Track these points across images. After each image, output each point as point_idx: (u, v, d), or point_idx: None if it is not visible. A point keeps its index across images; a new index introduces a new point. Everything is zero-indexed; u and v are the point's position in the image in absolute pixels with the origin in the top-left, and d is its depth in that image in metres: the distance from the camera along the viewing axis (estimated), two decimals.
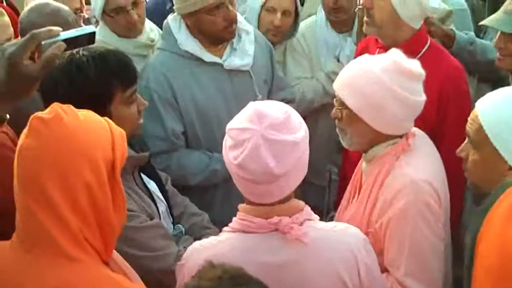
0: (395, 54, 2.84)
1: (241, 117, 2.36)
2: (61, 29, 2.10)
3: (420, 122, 2.98)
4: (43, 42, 2.04)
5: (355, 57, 3.87)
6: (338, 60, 4.32)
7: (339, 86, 2.88)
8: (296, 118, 2.37)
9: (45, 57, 2.03)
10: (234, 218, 2.44)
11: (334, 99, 2.94)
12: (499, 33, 3.50)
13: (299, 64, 4.43)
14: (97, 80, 2.66)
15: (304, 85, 4.34)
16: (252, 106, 2.36)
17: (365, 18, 3.54)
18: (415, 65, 2.82)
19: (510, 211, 1.61)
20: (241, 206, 2.43)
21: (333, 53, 4.37)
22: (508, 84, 3.34)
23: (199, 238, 3.08)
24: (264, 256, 2.33)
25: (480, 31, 4.47)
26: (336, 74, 4.08)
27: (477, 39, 4.18)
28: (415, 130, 2.94)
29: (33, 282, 2.01)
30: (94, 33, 2.20)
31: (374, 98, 2.76)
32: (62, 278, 2.00)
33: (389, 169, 2.83)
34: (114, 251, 2.21)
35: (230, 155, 2.33)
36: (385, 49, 3.41)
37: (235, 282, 1.93)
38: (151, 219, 2.89)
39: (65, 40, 2.08)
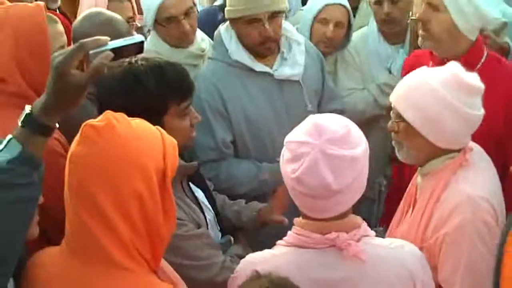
0: (454, 67, 2.79)
1: (300, 130, 2.34)
2: (109, 38, 2.10)
3: (487, 135, 2.94)
4: (90, 52, 2.04)
5: (402, 75, 3.85)
6: (390, 72, 4.28)
7: (396, 99, 2.85)
8: (357, 133, 2.34)
9: (93, 66, 2.03)
10: (289, 232, 2.42)
11: (391, 112, 2.90)
12: None
13: (350, 75, 4.41)
14: (154, 92, 2.66)
15: (356, 96, 4.32)
16: (312, 119, 2.34)
17: (421, 32, 3.47)
18: (474, 79, 2.77)
19: None
20: (297, 220, 2.41)
21: (385, 65, 4.34)
22: None
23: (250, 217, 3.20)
24: (319, 272, 2.30)
25: None
26: (388, 85, 4.12)
27: None
28: (472, 144, 2.88)
29: None
30: (143, 42, 2.20)
31: (433, 112, 2.72)
32: (111, 287, 2.00)
33: (445, 184, 2.78)
34: (163, 259, 2.21)
35: (288, 168, 2.31)
36: (440, 63, 3.36)
37: None
38: (199, 227, 2.89)
39: (113, 49, 2.09)
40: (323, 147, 2.23)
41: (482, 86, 2.77)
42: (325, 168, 2.21)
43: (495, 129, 3.09)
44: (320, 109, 3.77)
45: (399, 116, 2.82)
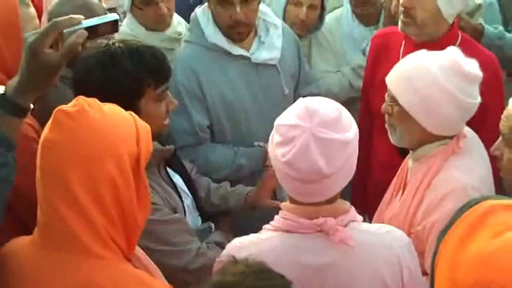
0: (454, 53, 2.78)
1: (291, 113, 2.30)
2: (83, 17, 2.08)
3: None
4: (64, 31, 2.02)
5: (370, 55, 3.88)
6: (364, 54, 4.25)
7: (392, 82, 2.84)
8: (347, 116, 2.31)
9: (67, 45, 2.01)
10: (276, 216, 2.40)
11: (386, 94, 2.89)
12: None
13: (324, 58, 4.40)
14: (130, 74, 2.64)
15: (330, 79, 4.31)
16: (303, 102, 2.30)
17: (403, 18, 3.47)
18: (473, 66, 2.76)
19: (466, 233, 1.50)
20: (284, 204, 2.39)
21: (359, 47, 4.33)
22: None
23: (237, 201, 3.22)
24: (306, 257, 2.28)
25: (508, 25, 4.41)
26: (362, 68, 4.11)
27: (507, 34, 4.12)
28: (466, 131, 2.88)
29: (55, 279, 2.00)
30: (117, 20, 2.18)
31: (429, 99, 2.71)
32: (85, 276, 1.98)
33: (437, 169, 2.78)
34: (137, 247, 2.20)
35: (278, 152, 2.27)
36: (414, 45, 3.37)
37: (258, 276, 1.93)
38: (175, 212, 2.87)
39: (87, 28, 2.06)
40: (315, 131, 2.20)
41: (480, 74, 2.77)
42: (316, 151, 2.18)
43: None
44: (296, 93, 3.76)
45: (394, 99, 2.82)
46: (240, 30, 3.56)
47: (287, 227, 2.33)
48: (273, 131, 2.34)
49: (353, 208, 2.38)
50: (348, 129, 2.27)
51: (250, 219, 2.92)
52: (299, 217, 2.31)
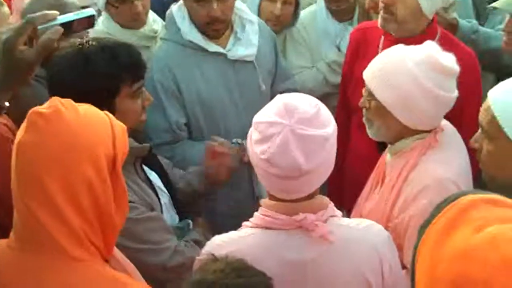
0: (431, 48, 2.79)
1: (269, 110, 2.30)
2: (57, 13, 2.06)
3: None
4: (39, 27, 2.00)
5: (348, 49, 3.89)
6: (339, 50, 4.27)
7: (369, 77, 2.84)
8: (326, 112, 2.31)
9: (41, 42, 1.99)
10: (255, 213, 2.39)
11: (363, 89, 2.89)
12: (508, 16, 3.47)
13: (299, 54, 4.39)
14: (105, 72, 2.62)
15: (305, 74, 4.31)
16: (281, 99, 2.30)
17: (383, 14, 3.47)
18: (450, 60, 2.77)
19: (446, 228, 1.49)
20: (264, 201, 2.39)
21: (334, 43, 4.33)
22: None
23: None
24: (287, 253, 2.28)
25: (481, 19, 4.44)
26: (337, 63, 4.13)
27: (481, 28, 4.14)
28: (445, 124, 2.90)
29: (33, 283, 1.97)
30: (93, 15, 2.16)
31: (406, 94, 2.72)
32: (63, 279, 1.96)
33: (414, 163, 2.80)
34: (115, 248, 2.18)
35: (257, 149, 2.27)
36: (393, 39, 3.39)
37: (238, 274, 1.94)
38: (152, 210, 2.87)
39: (63, 24, 2.04)
40: (294, 127, 2.20)
41: (457, 68, 2.78)
42: (296, 148, 2.18)
43: None
44: (273, 89, 3.76)
45: (371, 94, 2.83)
46: (216, 27, 3.55)
47: (267, 223, 2.33)
48: (252, 128, 2.34)
49: (332, 204, 2.38)
50: (327, 124, 2.27)
51: (229, 217, 2.91)
52: (279, 213, 2.31)
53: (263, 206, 2.38)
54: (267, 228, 2.33)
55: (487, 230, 1.41)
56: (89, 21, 2.16)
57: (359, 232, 2.36)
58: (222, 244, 2.37)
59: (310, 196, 2.31)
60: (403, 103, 2.74)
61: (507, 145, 2.39)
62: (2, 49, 1.98)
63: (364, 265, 2.30)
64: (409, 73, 2.72)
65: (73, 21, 2.09)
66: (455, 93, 2.81)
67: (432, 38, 3.37)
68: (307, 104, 2.27)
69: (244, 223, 2.42)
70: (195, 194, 3.35)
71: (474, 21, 4.19)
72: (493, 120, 2.40)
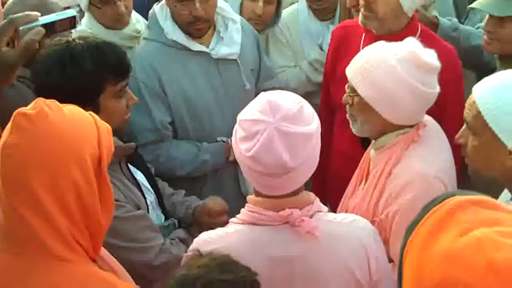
0: (412, 44, 2.81)
1: (253, 108, 2.31)
2: (39, 13, 2.06)
3: None
4: (21, 28, 1.99)
5: (330, 47, 3.90)
6: (321, 49, 4.28)
7: (351, 73, 2.86)
8: (309, 109, 2.33)
9: (23, 43, 1.98)
10: (242, 210, 2.40)
11: (346, 85, 2.91)
12: (487, 16, 3.50)
13: (282, 53, 4.40)
14: (90, 71, 2.63)
15: (287, 74, 4.31)
16: (264, 97, 2.31)
17: (364, 12, 3.49)
18: (431, 57, 2.79)
19: (433, 230, 1.49)
20: (250, 197, 2.40)
21: (316, 42, 4.35)
22: (493, 70, 3.32)
23: (184, 214, 3.19)
24: (273, 249, 2.30)
25: (461, 17, 4.46)
26: (319, 62, 4.14)
27: (461, 25, 4.16)
28: (427, 120, 2.92)
29: (21, 285, 1.98)
30: (74, 16, 2.16)
31: (387, 90, 2.74)
32: (51, 280, 1.97)
33: (397, 158, 2.82)
34: (102, 247, 2.18)
35: (242, 147, 2.28)
36: (374, 37, 3.41)
37: (223, 269, 1.95)
38: (138, 209, 2.88)
39: (45, 25, 2.03)
40: (278, 125, 2.21)
41: (438, 64, 2.80)
42: (280, 145, 2.20)
43: None
44: (257, 88, 3.77)
45: (354, 90, 2.84)
46: (199, 26, 3.56)
47: (253, 219, 2.35)
48: (236, 126, 2.35)
49: (318, 199, 2.39)
50: (311, 121, 2.29)
51: None
52: (265, 209, 2.33)
53: (249, 202, 2.39)
54: (253, 224, 2.34)
55: (472, 233, 1.42)
56: (71, 22, 2.16)
57: (345, 226, 2.37)
58: (208, 240, 2.38)
59: (296, 192, 2.33)
60: (386, 99, 2.76)
61: (492, 140, 2.40)
62: None
63: (351, 259, 2.32)
64: (391, 69, 2.74)
65: (55, 22, 2.10)
66: (437, 89, 2.83)
67: (413, 35, 3.38)
68: (290, 102, 2.28)
69: (231, 220, 2.44)
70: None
71: (455, 19, 4.21)
72: (478, 115, 2.41)
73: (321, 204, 2.40)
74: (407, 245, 1.55)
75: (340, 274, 2.32)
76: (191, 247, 2.44)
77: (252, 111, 2.30)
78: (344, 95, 2.91)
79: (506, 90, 2.41)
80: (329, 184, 3.83)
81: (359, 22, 3.56)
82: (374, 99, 2.78)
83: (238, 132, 2.33)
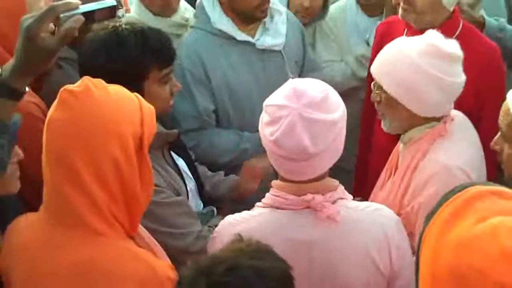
0: (432, 36, 2.82)
1: (280, 94, 2.35)
2: (80, 2, 2.08)
3: (456, 105, 2.95)
4: (61, 15, 2.03)
5: (374, 43, 3.90)
6: (368, 44, 4.27)
7: (375, 70, 2.89)
8: (335, 98, 2.36)
9: (63, 30, 2.01)
10: (267, 194, 2.44)
11: (372, 83, 2.93)
12: None
13: (328, 47, 4.39)
14: (136, 56, 2.67)
15: (333, 68, 4.31)
16: (291, 84, 2.35)
17: (403, 5, 3.49)
18: (452, 46, 2.79)
19: (451, 218, 1.50)
20: (274, 182, 2.43)
21: (363, 37, 4.34)
22: None
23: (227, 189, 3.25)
24: (294, 232, 2.33)
25: None
26: (365, 58, 4.13)
27: (508, 26, 4.12)
28: (455, 114, 2.92)
29: (58, 254, 2.04)
30: (115, 6, 2.19)
31: (411, 83, 2.76)
32: (86, 252, 2.03)
33: (424, 152, 2.83)
34: (141, 226, 2.23)
35: (266, 131, 2.33)
36: (415, 32, 3.38)
37: (254, 256, 1.93)
38: (178, 195, 2.90)
39: (84, 14, 2.07)
40: (301, 111, 2.25)
41: (460, 52, 2.80)
42: (302, 131, 2.23)
43: (464, 101, 3.10)
44: None
45: (380, 87, 2.86)
46: (265, 6, 3.57)
47: (276, 203, 2.39)
48: (263, 111, 2.39)
49: (341, 186, 2.42)
50: (335, 110, 2.32)
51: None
52: (288, 193, 2.36)
53: (273, 187, 2.43)
54: (276, 207, 2.38)
55: (489, 221, 1.43)
56: (111, 11, 2.18)
57: (367, 214, 2.39)
58: (233, 222, 2.44)
59: (319, 178, 2.36)
60: (410, 92, 2.77)
61: None
62: (24, 36, 2.01)
63: (372, 247, 2.34)
64: (412, 62, 2.75)
65: (94, 10, 2.12)
66: (462, 78, 2.81)
67: (454, 31, 3.41)
68: (316, 89, 2.32)
69: (257, 204, 2.48)
70: (221, 199, 3.37)
71: (502, 19, 4.16)
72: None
73: (346, 192, 2.42)
74: (424, 233, 1.56)
75: (360, 261, 2.33)
76: (216, 229, 2.50)
77: (278, 96, 2.34)
78: (372, 93, 2.93)
79: None
80: (369, 180, 3.83)
81: (399, 16, 3.56)
82: (399, 94, 2.79)
83: (264, 116, 2.38)
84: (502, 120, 2.46)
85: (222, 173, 3.45)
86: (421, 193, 2.76)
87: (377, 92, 2.89)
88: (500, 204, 1.49)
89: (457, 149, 2.81)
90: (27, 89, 2.12)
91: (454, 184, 2.56)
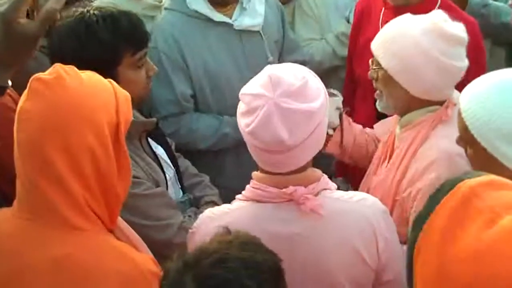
0: (437, 16, 2.76)
1: (256, 82, 2.26)
2: None
3: None
4: None
5: (354, 19, 3.88)
6: (348, 22, 4.22)
7: (376, 46, 2.82)
8: (315, 85, 2.26)
9: (43, 13, 1.92)
10: (247, 186, 2.36)
11: (370, 60, 2.88)
12: None
13: (308, 26, 4.34)
14: (106, 41, 2.62)
15: (313, 47, 4.26)
16: (268, 71, 2.26)
17: None
18: (457, 29, 2.74)
19: (452, 224, 1.40)
20: (254, 173, 2.35)
21: (343, 14, 4.28)
22: None
23: (200, 199, 3.10)
24: (276, 226, 2.25)
25: None
26: (346, 36, 4.08)
27: (491, 2, 4.11)
28: (457, 98, 2.84)
29: (34, 251, 1.97)
30: None
31: (411, 62, 2.70)
32: (64, 248, 1.96)
33: (424, 137, 2.77)
34: (120, 218, 2.17)
35: (242, 122, 2.25)
36: (394, 9, 3.39)
37: (243, 248, 1.88)
38: (157, 186, 2.86)
39: None
40: (278, 101, 2.15)
41: (465, 36, 2.75)
42: (279, 122, 2.14)
43: None
44: (281, 61, 3.70)
45: (378, 64, 2.81)
46: None
47: (257, 196, 2.31)
48: (239, 100, 2.31)
49: (325, 176, 2.34)
50: (314, 99, 2.22)
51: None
52: (269, 186, 2.28)
53: (254, 179, 2.35)
54: (257, 201, 2.31)
55: (500, 223, 1.34)
56: None
57: (352, 205, 2.32)
58: (212, 216, 2.37)
59: (302, 169, 2.28)
60: (408, 70, 2.71)
61: (485, 153, 2.35)
62: (1, 23, 1.90)
63: (357, 239, 2.26)
64: (414, 40, 2.70)
65: None
66: (465, 62, 2.77)
67: (432, 6, 3.37)
68: (293, 76, 2.22)
69: (237, 197, 2.40)
70: None
71: None
72: (466, 127, 2.36)
73: (329, 182, 2.35)
74: (419, 240, 1.45)
75: (345, 254, 2.26)
76: (195, 224, 2.43)
77: (254, 85, 2.26)
78: (370, 70, 2.87)
79: (493, 103, 2.32)
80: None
81: None
82: (396, 71, 2.73)
83: (240, 106, 2.29)
84: (459, 123, 2.42)
85: (206, 179, 3.31)
86: (419, 179, 2.70)
87: (374, 68, 2.84)
88: (499, 198, 1.40)
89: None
90: (9, 82, 2.02)
91: (453, 170, 2.58)
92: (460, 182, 1.45)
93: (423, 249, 1.44)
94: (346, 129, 3.13)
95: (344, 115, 3.13)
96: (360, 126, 3.26)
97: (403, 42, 2.71)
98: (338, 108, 3.10)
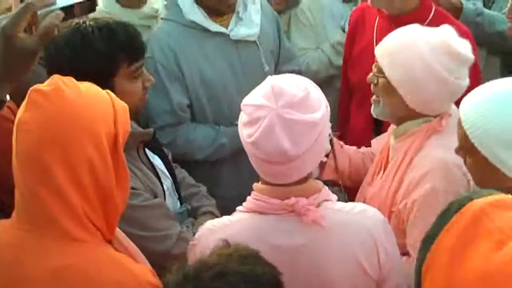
0: (447, 32, 2.76)
1: (258, 92, 2.26)
2: None
3: None
4: (38, 12, 1.94)
5: (349, 29, 3.90)
6: (344, 31, 4.22)
7: (381, 54, 2.82)
8: (316, 95, 2.26)
9: (42, 28, 1.92)
10: (248, 198, 2.36)
11: (373, 65, 2.87)
12: (510, 1, 3.43)
13: (303, 35, 4.37)
14: (102, 53, 2.61)
15: (309, 56, 4.28)
16: (270, 82, 2.26)
17: None
18: (465, 47, 2.75)
19: (461, 245, 1.40)
20: (256, 185, 2.35)
21: (339, 24, 4.30)
22: None
23: (197, 209, 3.08)
24: (278, 238, 2.24)
25: (489, 1, 4.38)
26: (342, 45, 4.09)
27: (485, 10, 4.11)
28: (454, 109, 2.83)
29: (34, 262, 1.97)
30: None
31: (413, 74, 2.70)
32: (63, 259, 1.96)
33: (418, 147, 2.77)
34: (119, 229, 2.17)
35: (244, 133, 2.25)
36: (388, 18, 3.41)
37: (243, 261, 1.88)
38: (155, 197, 2.85)
39: (63, 9, 1.98)
40: (280, 112, 2.16)
41: (471, 56, 2.76)
42: (281, 133, 2.15)
43: None
44: (277, 70, 3.72)
45: (380, 71, 2.80)
46: (231, 2, 3.52)
47: (259, 208, 2.30)
48: (241, 111, 2.31)
49: (326, 188, 2.34)
50: (316, 109, 2.22)
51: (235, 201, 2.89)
52: (271, 197, 2.28)
53: (255, 190, 2.35)
54: (259, 212, 2.30)
55: (509, 245, 1.34)
56: (90, 5, 2.10)
57: (353, 216, 2.31)
58: (213, 228, 2.35)
59: (303, 180, 2.28)
60: (410, 83, 2.71)
61: (485, 161, 2.35)
62: (1, 38, 1.90)
63: (358, 249, 2.26)
64: (421, 54, 2.69)
65: (73, 5, 2.03)
66: (466, 82, 2.77)
67: (426, 16, 3.38)
68: (296, 87, 2.22)
69: (238, 208, 2.39)
70: None
71: (479, 4, 4.15)
72: (466, 136, 2.37)
73: (330, 193, 2.35)
74: (427, 260, 1.46)
75: (347, 265, 2.26)
76: (196, 235, 2.42)
77: (256, 96, 2.26)
78: (370, 74, 2.87)
79: (493, 111, 2.33)
80: None
81: (369, 3, 3.53)
82: (398, 82, 2.74)
83: (242, 117, 2.30)
84: (459, 131, 2.42)
85: (204, 189, 3.29)
86: (415, 190, 2.70)
87: (376, 74, 2.83)
88: (509, 219, 1.40)
89: (453, 143, 2.75)
90: (8, 97, 2.03)
91: (449, 180, 2.58)
92: (468, 202, 1.45)
93: (431, 269, 1.44)
94: (339, 153, 3.13)
95: (334, 139, 3.14)
96: (354, 147, 3.26)
97: (409, 54, 2.71)
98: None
